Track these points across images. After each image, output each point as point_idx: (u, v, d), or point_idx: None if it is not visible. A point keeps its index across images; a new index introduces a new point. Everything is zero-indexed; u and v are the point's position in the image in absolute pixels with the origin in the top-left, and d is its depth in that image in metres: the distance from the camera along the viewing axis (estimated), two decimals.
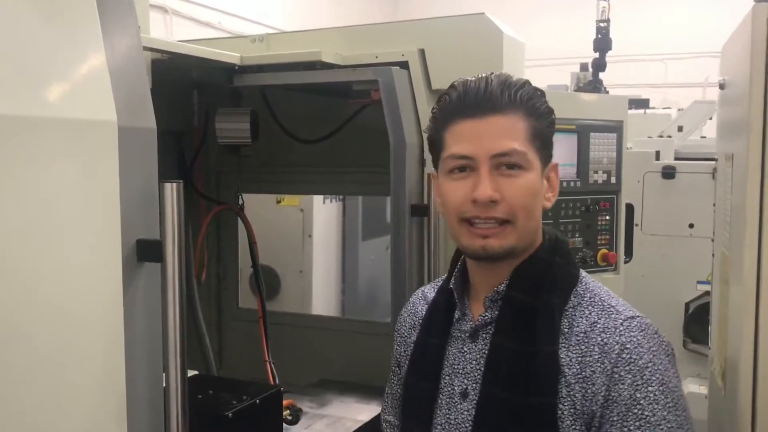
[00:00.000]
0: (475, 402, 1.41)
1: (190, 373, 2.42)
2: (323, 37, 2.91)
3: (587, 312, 1.42)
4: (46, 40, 1.27)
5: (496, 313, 1.45)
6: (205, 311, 3.84)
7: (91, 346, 1.36)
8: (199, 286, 3.70)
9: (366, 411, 3.13)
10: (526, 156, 1.40)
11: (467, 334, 1.48)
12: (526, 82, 1.47)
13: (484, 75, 1.44)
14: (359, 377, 3.39)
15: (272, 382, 3.15)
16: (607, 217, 3.24)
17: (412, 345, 1.60)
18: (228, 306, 4.01)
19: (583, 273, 1.51)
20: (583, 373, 1.36)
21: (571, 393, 1.36)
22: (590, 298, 1.45)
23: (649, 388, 1.32)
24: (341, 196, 4.71)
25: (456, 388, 1.46)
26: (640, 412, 1.31)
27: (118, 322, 1.40)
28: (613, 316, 1.40)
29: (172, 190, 1.44)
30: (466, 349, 1.47)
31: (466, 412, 1.42)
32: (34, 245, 1.24)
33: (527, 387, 1.35)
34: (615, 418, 1.33)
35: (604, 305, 1.43)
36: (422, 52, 2.70)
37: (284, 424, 2.77)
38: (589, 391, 1.35)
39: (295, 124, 3.32)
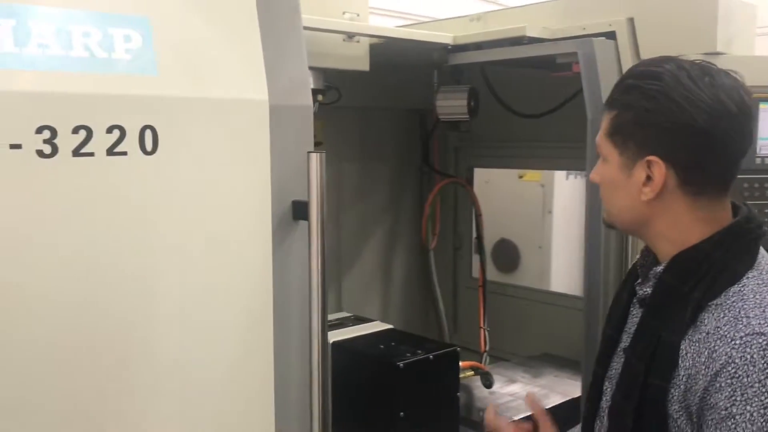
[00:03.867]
0: (623, 359, 1.54)
1: (386, 326, 2.70)
2: (536, 11, 2.92)
3: (721, 314, 1.39)
4: (205, 31, 1.56)
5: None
6: (443, 279, 4.08)
7: (242, 293, 1.66)
8: (435, 255, 3.95)
9: (575, 388, 3.11)
10: (602, 149, 1.54)
11: (639, 300, 1.58)
12: (640, 74, 1.48)
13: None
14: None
15: (483, 349, 3.29)
16: None
17: None
18: (462, 275, 4.19)
19: (753, 273, 1.43)
20: (692, 370, 1.37)
21: (680, 383, 1.39)
22: (734, 301, 1.39)
23: (748, 407, 1.29)
24: (585, 172, 4.59)
25: (622, 343, 1.58)
26: (733, 426, 1.29)
27: (267, 273, 1.68)
28: (740, 326, 1.35)
29: (316, 158, 1.67)
30: (635, 312, 1.58)
31: (620, 366, 1.54)
32: (195, 207, 1.56)
33: (648, 364, 1.42)
34: (711, 423, 1.33)
35: (739, 313, 1.37)
36: (631, 21, 2.59)
37: (485, 388, 2.92)
38: (692, 387, 1.37)
39: (518, 99, 3.37)
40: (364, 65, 2.75)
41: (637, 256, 1.68)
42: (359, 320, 2.75)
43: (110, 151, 1.42)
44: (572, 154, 3.51)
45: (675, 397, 1.38)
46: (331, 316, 2.82)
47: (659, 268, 1.50)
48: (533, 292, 4.14)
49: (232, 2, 1.61)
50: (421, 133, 3.97)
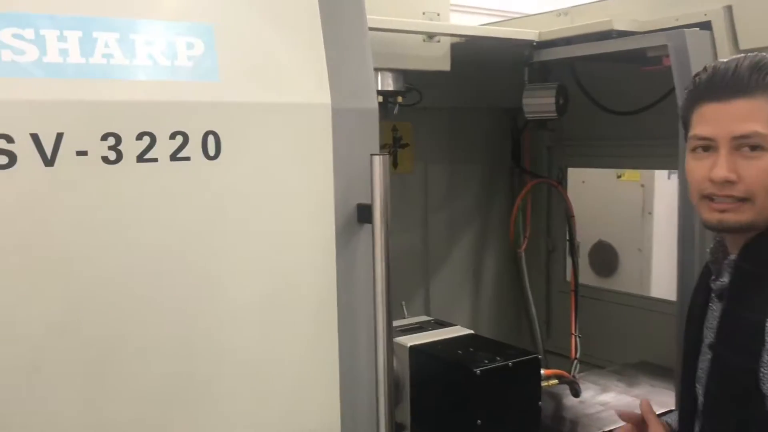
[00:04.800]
0: (709, 356, 1.53)
1: (466, 332, 2.64)
2: (625, 3, 2.78)
3: None
4: (267, 35, 1.58)
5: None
6: (536, 283, 3.97)
7: (307, 295, 1.66)
8: (526, 258, 3.84)
9: (672, 398, 2.94)
10: (762, 139, 1.43)
11: (717, 294, 1.58)
12: None
13: (738, 57, 1.47)
14: None
15: (573, 356, 3.16)
16: None
17: None
18: (556, 278, 4.06)
19: None
20: None
21: None
22: None
23: None
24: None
25: (706, 340, 1.58)
26: None
27: (332, 276, 1.68)
28: None
29: (380, 161, 1.66)
30: (714, 307, 1.58)
31: (708, 362, 1.54)
32: (258, 211, 1.58)
33: (735, 348, 1.45)
34: None
35: None
36: (729, 9, 2.41)
37: (572, 396, 2.81)
38: None
39: (611, 95, 3.23)
40: (445, 65, 2.71)
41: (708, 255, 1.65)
42: (439, 324, 2.70)
43: (173, 157, 1.46)
44: (675, 152, 3.32)
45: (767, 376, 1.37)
46: (411, 320, 2.80)
47: (732, 257, 1.52)
48: (632, 297, 3.95)
49: (295, 5, 1.62)
50: (512, 133, 3.88)
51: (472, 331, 2.60)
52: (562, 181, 3.74)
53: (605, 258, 4.45)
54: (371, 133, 1.73)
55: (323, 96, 1.63)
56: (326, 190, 1.66)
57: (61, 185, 1.35)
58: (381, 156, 1.66)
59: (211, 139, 1.50)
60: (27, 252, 1.34)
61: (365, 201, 1.72)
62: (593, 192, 4.27)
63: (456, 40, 2.74)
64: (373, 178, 1.66)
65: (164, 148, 1.45)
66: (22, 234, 1.33)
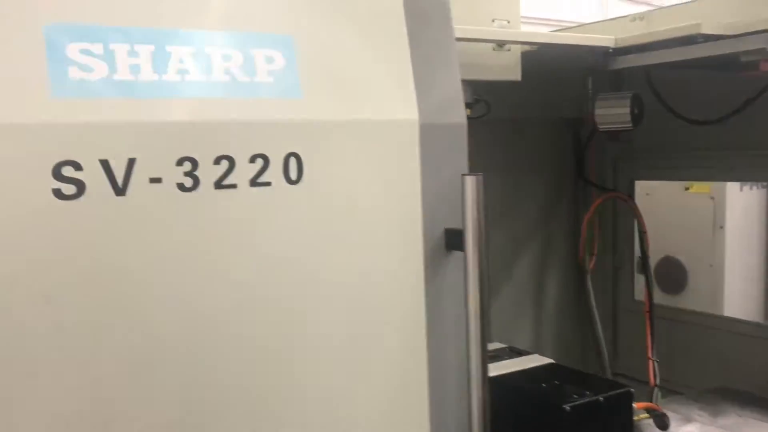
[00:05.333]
0: None
1: (545, 361, 2.46)
2: (707, 6, 2.59)
3: None
4: (351, 46, 1.43)
5: None
6: (601, 302, 3.77)
7: (394, 330, 1.50)
8: (592, 276, 3.66)
9: (764, 429, 2.72)
10: None
11: None
12: None
13: None
14: None
15: (652, 383, 2.96)
16: None
17: None
18: (624, 297, 3.86)
19: None
20: None
21: None
22: None
23: None
24: (765, 183, 4.11)
25: None
26: None
27: (419, 306, 1.52)
28: None
29: (473, 182, 1.49)
30: None
31: None
32: (342, 238, 1.43)
33: None
34: None
35: None
36: None
37: (657, 429, 2.60)
38: None
39: (687, 104, 3.03)
40: (516, 75, 2.56)
41: None
42: (515, 352, 2.52)
43: (253, 182, 1.32)
44: (757, 163, 3.12)
45: None
46: None
47: None
48: (704, 317, 3.73)
49: (379, 14, 1.47)
50: (575, 145, 3.71)
51: (552, 360, 2.42)
52: (632, 194, 3.54)
53: (673, 274, 4.23)
54: (460, 150, 1.57)
55: (410, 111, 1.48)
56: (414, 214, 1.51)
57: (134, 216, 1.22)
58: (475, 177, 1.49)
59: (292, 161, 1.35)
60: (97, 288, 1.21)
61: (453, 225, 1.56)
62: (659, 205, 4.07)
63: (526, 48, 2.58)
64: (465, 200, 1.50)
65: (243, 172, 1.31)
66: (92, 270, 1.20)
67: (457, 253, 1.56)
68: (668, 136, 3.28)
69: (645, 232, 3.41)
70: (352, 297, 1.46)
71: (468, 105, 2.62)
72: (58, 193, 1.16)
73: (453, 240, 1.55)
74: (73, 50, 1.17)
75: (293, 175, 1.35)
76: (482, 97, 2.78)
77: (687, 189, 4.18)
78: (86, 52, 1.18)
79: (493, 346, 2.66)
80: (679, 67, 2.69)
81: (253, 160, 1.31)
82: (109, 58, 1.20)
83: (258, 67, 1.33)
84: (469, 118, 2.66)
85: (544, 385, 2.18)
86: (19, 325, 1.15)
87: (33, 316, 1.16)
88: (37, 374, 1.17)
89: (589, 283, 3.67)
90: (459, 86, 1.57)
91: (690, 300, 4.12)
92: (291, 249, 1.38)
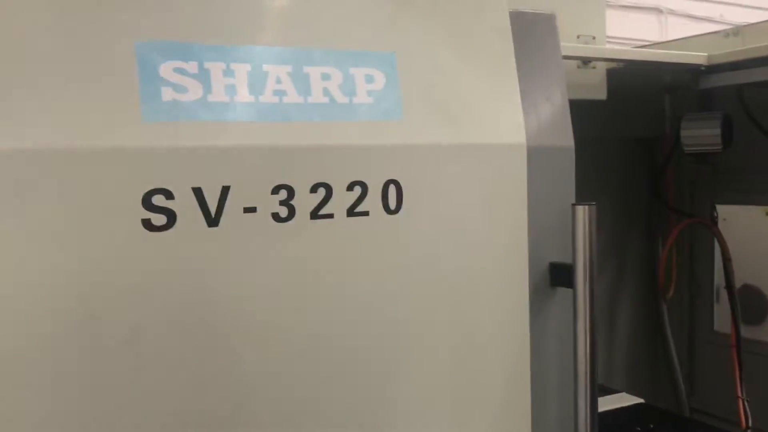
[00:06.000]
0: None
1: (635, 400, 2.29)
2: None
3: None
4: (454, 63, 1.32)
5: None
6: (677, 333, 3.57)
7: (496, 372, 1.37)
8: (668, 305, 3.47)
9: None
10: None
11: None
12: None
13: None
14: None
15: (743, 425, 2.75)
16: None
17: None
18: (702, 328, 3.64)
19: None
20: None
21: None
22: None
23: None
24: None
25: None
26: None
27: (524, 346, 1.38)
28: None
29: (584, 212, 1.36)
30: None
31: None
32: (442, 272, 1.31)
33: None
34: None
35: None
36: None
37: None
38: None
39: None
40: (601, 93, 2.42)
41: None
42: (602, 390, 2.36)
43: (351, 212, 1.21)
44: None
45: None
46: None
47: None
48: None
49: (484, 27, 1.35)
50: (650, 166, 3.53)
51: (641, 400, 2.25)
52: (714, 219, 3.34)
53: (752, 303, 3.99)
54: (567, 176, 1.44)
55: (518, 135, 1.35)
56: (519, 246, 1.37)
57: (227, 248, 1.11)
58: (587, 206, 1.36)
59: (392, 188, 1.24)
60: (187, 325, 1.10)
61: (558, 259, 1.42)
62: (737, 230, 3.83)
63: (612, 65, 2.44)
64: (576, 232, 1.37)
65: (341, 201, 1.20)
66: (181, 305, 1.10)
67: (562, 290, 1.42)
68: (756, 158, 3.08)
69: (729, 260, 3.21)
70: (453, 336, 1.34)
71: None
72: (147, 224, 1.06)
73: (559, 275, 1.42)
74: (166, 69, 1.08)
75: (392, 204, 1.24)
76: None
77: None
78: (181, 71, 1.09)
79: None
80: None
81: (350, 187, 1.20)
82: (204, 78, 1.10)
83: (357, 86, 1.22)
84: None
85: (639, 429, 2.01)
86: (106, 361, 1.06)
87: (120, 352, 1.06)
88: (123, 412, 1.07)
89: (666, 313, 3.47)
90: (567, 106, 1.45)
91: None
92: (388, 283, 1.26)
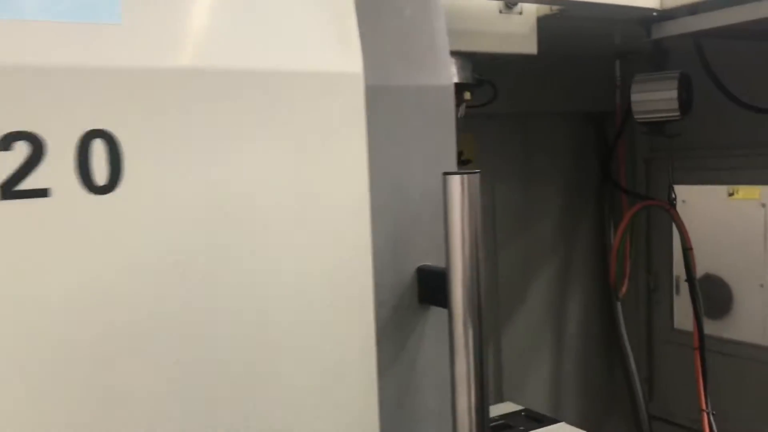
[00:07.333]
0: None
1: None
2: None
3: None
4: None
5: None
6: (633, 332, 3.26)
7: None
8: (622, 301, 3.05)
9: None
10: None
11: None
12: None
13: None
14: None
15: None
16: None
17: None
18: (661, 326, 3.28)
19: None
20: None
21: None
22: None
23: None
24: None
25: None
26: None
27: (372, 397, 0.88)
28: None
29: (460, 185, 0.85)
30: None
31: None
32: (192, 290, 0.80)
33: None
34: None
35: None
36: None
37: None
38: None
39: (748, 88, 2.40)
40: (530, 47, 1.96)
41: None
42: (535, 420, 1.85)
43: (7, 190, 0.68)
44: None
45: None
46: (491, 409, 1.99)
47: None
48: (755, 349, 3.16)
49: None
50: (599, 143, 3.14)
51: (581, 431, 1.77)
52: (672, 201, 2.91)
53: (715, 295, 3.61)
54: (444, 132, 0.93)
55: (350, 62, 0.83)
56: (360, 239, 0.86)
57: None
58: (466, 176, 0.85)
59: (97, 146, 0.71)
60: None
61: (431, 262, 0.92)
62: (697, 213, 3.47)
63: (544, 11, 1.97)
64: (450, 215, 0.85)
65: None
66: None
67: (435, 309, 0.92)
68: (718, 129, 2.66)
69: (690, 249, 2.81)
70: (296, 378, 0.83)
71: (468, 87, 2.01)
72: None
73: (429, 286, 0.91)
74: None
75: (98, 175, 0.71)
76: (486, 77, 2.16)
77: (731, 195, 3.56)
78: None
79: (503, 408, 2.00)
80: (739, 38, 2.07)
81: (6, 145, 0.67)
82: None
83: None
84: (470, 106, 2.10)
85: None
86: None
87: None
88: None
89: (620, 310, 3.07)
90: (443, 31, 0.93)
91: (735, 325, 3.50)
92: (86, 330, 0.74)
